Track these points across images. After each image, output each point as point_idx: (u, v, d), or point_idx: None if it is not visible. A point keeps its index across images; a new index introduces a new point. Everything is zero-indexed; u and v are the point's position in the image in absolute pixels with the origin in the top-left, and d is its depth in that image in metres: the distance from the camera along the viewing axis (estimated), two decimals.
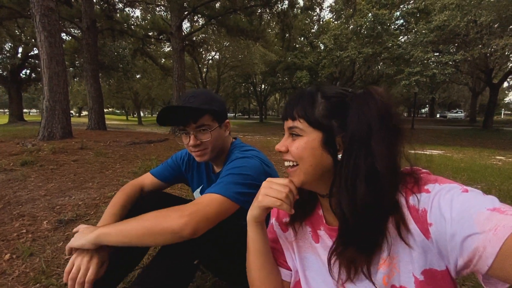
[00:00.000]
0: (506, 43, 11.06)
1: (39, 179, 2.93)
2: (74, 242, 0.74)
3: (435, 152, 7.66)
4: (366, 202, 0.47)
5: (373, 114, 0.48)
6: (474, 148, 9.50)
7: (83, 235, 0.74)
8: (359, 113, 0.49)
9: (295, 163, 0.57)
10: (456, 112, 33.91)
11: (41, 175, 3.09)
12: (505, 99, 49.59)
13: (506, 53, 13.88)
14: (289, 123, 0.57)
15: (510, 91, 47.65)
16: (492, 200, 0.39)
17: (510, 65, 17.48)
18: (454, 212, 0.39)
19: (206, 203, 0.76)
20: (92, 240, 0.72)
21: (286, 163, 0.59)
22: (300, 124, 0.55)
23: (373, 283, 0.49)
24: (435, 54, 15.60)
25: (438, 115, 39.99)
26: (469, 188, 0.42)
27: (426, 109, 45.60)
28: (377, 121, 0.48)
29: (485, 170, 4.59)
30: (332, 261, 0.55)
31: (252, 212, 0.63)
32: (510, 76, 17.98)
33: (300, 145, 0.54)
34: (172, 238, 0.70)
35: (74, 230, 0.80)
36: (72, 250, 0.76)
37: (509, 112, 57.55)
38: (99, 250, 0.75)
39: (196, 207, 0.74)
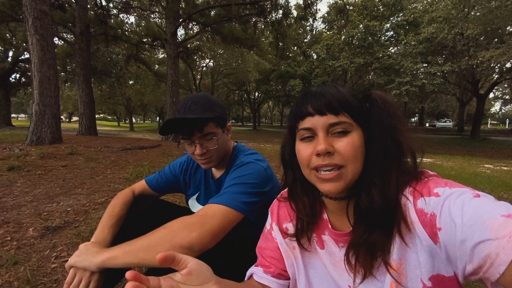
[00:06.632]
0: (492, 55, 11.44)
1: (26, 185, 2.83)
2: (78, 263, 0.73)
3: (425, 160, 7.78)
4: (396, 191, 0.47)
5: (394, 110, 0.51)
6: (463, 157, 9.72)
7: (87, 257, 0.73)
8: (386, 108, 0.51)
9: (338, 167, 0.50)
10: (445, 122, 34.61)
11: (28, 180, 2.99)
12: (491, 109, 51.21)
13: (492, 65, 14.37)
14: (330, 119, 0.50)
15: (496, 102, 49.26)
16: (506, 206, 0.37)
17: (496, 76, 18.13)
18: (466, 217, 0.38)
19: (211, 214, 0.73)
20: (98, 264, 0.71)
21: (325, 169, 0.50)
22: (346, 118, 0.50)
23: (391, 275, 0.47)
24: (424, 65, 16.08)
25: (427, 124, 40.85)
26: (481, 193, 0.41)
27: (416, 118, 46.64)
28: (398, 115, 0.51)
29: (475, 177, 4.68)
30: (350, 255, 0.52)
31: None
32: (496, 87, 18.59)
33: (352, 142, 0.49)
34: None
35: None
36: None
37: (495, 122, 59.41)
38: None
39: (203, 220, 0.71)
